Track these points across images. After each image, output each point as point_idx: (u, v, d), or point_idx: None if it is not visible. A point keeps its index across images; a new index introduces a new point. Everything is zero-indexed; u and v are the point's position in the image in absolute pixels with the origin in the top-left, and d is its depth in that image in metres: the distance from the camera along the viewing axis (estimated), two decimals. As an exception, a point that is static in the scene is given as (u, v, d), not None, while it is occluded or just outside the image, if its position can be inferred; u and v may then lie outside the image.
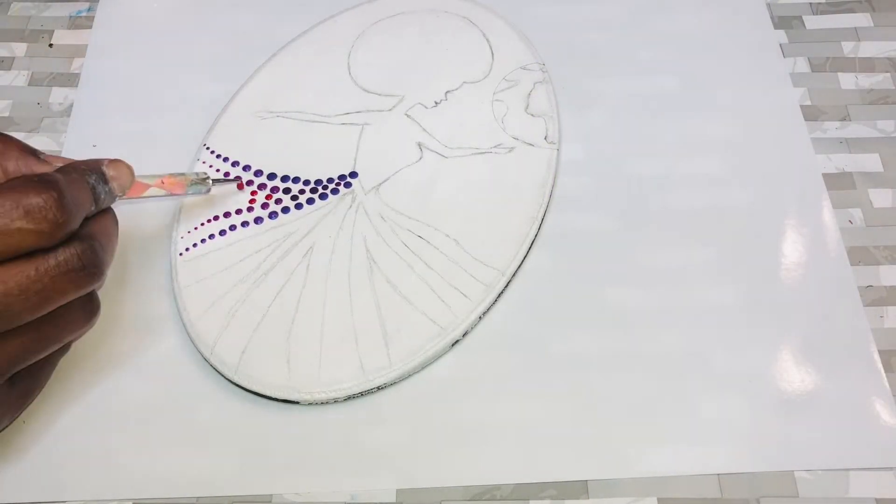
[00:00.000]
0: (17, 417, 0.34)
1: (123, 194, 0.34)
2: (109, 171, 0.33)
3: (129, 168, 0.34)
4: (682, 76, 0.45)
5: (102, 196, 0.32)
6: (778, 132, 0.43)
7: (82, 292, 0.31)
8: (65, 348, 0.33)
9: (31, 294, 0.28)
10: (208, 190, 0.39)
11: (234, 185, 0.41)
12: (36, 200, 0.28)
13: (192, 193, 0.39)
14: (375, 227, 0.40)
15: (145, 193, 0.36)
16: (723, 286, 0.39)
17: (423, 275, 0.38)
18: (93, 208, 0.32)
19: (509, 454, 0.35)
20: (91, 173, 0.32)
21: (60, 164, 0.32)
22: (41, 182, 0.29)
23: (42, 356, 0.31)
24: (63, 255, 0.29)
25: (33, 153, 0.33)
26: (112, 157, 0.33)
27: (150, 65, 0.47)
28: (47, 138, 0.45)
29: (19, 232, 0.28)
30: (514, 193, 0.41)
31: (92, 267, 0.30)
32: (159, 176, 0.36)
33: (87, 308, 0.32)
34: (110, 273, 0.40)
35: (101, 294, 0.39)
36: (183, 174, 0.38)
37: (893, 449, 0.35)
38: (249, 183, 0.42)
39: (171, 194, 0.37)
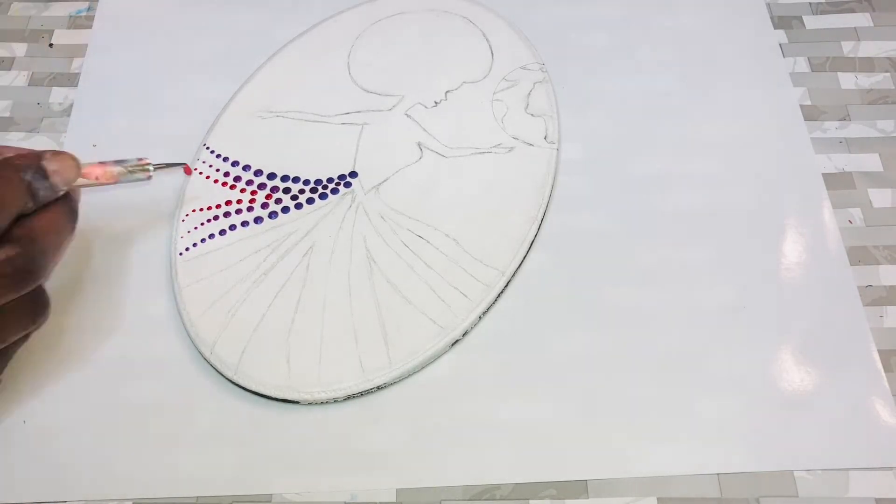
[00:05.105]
0: None
1: (67, 189, 0.31)
2: (51, 165, 0.31)
3: (75, 160, 0.32)
4: (682, 76, 0.45)
5: (41, 192, 0.30)
6: (778, 132, 0.43)
7: (16, 295, 0.29)
8: (20, 340, 0.32)
9: None
10: (149, 177, 0.37)
11: (181, 169, 0.40)
12: None
13: (132, 181, 0.36)
14: (375, 226, 0.40)
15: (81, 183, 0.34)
16: (722, 286, 0.39)
17: (423, 275, 0.38)
18: (30, 205, 0.30)
19: (509, 454, 0.35)
20: (28, 169, 0.30)
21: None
22: None
23: None
24: None
25: None
26: (56, 150, 0.32)
27: (150, 65, 0.47)
28: (47, 138, 0.45)
29: None
30: (514, 193, 0.41)
31: (23, 273, 0.29)
32: (93, 164, 0.34)
33: (31, 309, 0.31)
34: (110, 272, 0.40)
35: (101, 293, 0.39)
36: (121, 160, 0.36)
37: (893, 449, 0.35)
38: (249, 183, 0.42)
39: (109, 182, 0.35)
